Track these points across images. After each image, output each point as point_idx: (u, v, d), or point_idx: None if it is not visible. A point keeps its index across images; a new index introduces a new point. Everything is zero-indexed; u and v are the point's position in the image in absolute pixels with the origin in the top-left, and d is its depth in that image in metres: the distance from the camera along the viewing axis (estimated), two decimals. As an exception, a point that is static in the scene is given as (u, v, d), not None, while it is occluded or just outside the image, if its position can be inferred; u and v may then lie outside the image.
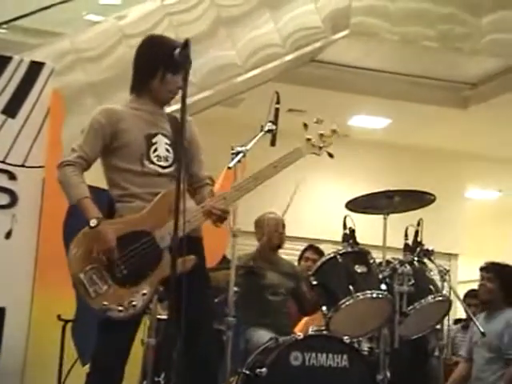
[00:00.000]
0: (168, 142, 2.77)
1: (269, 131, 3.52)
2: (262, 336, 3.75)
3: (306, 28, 5.32)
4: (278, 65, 5.26)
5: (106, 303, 2.58)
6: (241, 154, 3.37)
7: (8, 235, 3.82)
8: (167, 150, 2.75)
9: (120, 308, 2.58)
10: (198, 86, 4.76)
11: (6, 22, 4.84)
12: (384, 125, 7.34)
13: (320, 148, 3.05)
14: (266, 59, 5.19)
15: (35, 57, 4.26)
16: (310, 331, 3.54)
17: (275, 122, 3.56)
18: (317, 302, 3.72)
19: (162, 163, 2.72)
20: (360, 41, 5.73)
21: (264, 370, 3.27)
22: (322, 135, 3.06)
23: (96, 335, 2.69)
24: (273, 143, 3.60)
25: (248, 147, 3.42)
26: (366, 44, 5.89)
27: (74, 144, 2.73)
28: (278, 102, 3.54)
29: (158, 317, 3.28)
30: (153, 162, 2.71)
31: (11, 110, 3.91)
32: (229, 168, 3.40)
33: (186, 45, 2.55)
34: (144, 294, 2.61)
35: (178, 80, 2.64)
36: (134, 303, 2.59)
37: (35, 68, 3.98)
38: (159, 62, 2.75)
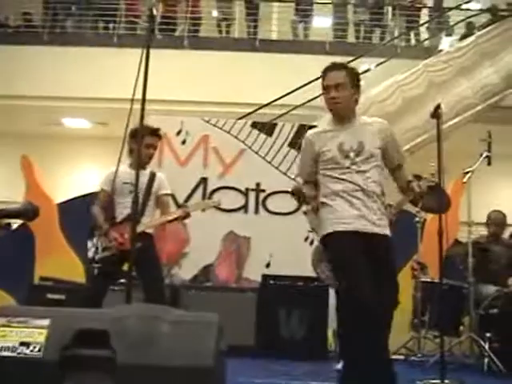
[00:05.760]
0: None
1: (486, 156, 5.64)
2: (489, 288, 5.55)
3: (489, 85, 7.55)
4: (472, 113, 7.49)
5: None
6: (469, 174, 5.54)
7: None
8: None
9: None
10: (422, 130, 7.09)
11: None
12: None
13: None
14: (464, 109, 7.44)
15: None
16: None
17: (489, 151, 5.67)
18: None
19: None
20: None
21: (496, 310, 4.87)
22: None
23: None
24: (489, 163, 5.66)
25: (473, 168, 5.57)
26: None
27: None
28: (489, 137, 5.66)
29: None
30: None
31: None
32: (463, 183, 5.57)
33: (438, 107, 4.28)
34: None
35: None
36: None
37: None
38: None
